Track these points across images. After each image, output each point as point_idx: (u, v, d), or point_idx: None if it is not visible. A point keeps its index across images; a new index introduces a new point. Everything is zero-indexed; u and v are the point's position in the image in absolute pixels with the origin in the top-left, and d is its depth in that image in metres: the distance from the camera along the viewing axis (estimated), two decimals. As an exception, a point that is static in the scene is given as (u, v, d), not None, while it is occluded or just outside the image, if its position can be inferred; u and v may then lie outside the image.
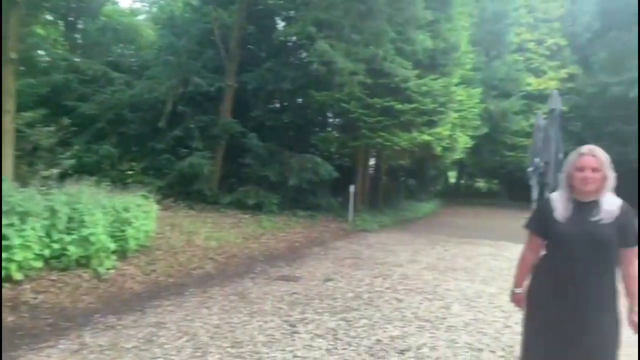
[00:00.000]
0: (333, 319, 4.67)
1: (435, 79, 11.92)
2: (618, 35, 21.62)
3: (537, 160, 14.27)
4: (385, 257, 8.13)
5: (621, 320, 2.40)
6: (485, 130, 19.37)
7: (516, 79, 21.41)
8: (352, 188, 11.98)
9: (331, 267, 7.17)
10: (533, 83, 22.52)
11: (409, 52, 10.83)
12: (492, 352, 4.01)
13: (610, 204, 2.37)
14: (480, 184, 31.79)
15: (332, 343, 4.04)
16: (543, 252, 2.56)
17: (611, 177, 2.38)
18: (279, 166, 11.62)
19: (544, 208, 2.52)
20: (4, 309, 4.22)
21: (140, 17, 18.57)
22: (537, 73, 22.92)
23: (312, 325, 4.46)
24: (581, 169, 2.36)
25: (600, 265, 2.35)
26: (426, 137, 12.08)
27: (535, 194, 16.65)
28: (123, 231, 6.02)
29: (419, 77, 11.66)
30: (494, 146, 22.39)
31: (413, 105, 11.61)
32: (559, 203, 2.44)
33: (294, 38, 12.64)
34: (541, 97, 20.95)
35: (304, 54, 13.15)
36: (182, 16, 13.87)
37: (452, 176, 31.23)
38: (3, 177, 5.66)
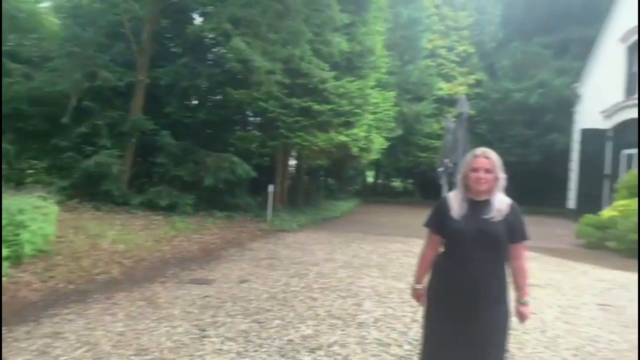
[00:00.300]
0: (246, 321, 4.60)
1: (351, 81, 12.19)
2: (519, 45, 23.39)
3: (446, 160, 15.07)
4: (302, 256, 8.15)
5: (510, 311, 2.57)
6: (399, 132, 20.08)
7: (428, 83, 22.42)
8: (270, 188, 11.92)
9: (247, 268, 7.07)
10: (444, 88, 23.67)
11: (326, 54, 10.97)
12: (400, 346, 4.14)
13: (501, 202, 2.54)
14: (396, 183, 32.89)
15: (243, 346, 3.97)
16: (442, 249, 2.67)
17: (502, 178, 2.56)
18: (193, 165, 11.27)
19: (441, 207, 2.63)
20: None
21: (43, 5, 17.22)
22: (448, 78, 24.13)
23: (223, 329, 4.37)
24: (475, 169, 2.51)
25: (492, 260, 2.50)
26: (343, 138, 12.30)
27: (445, 193, 17.50)
28: (17, 235, 5.54)
29: (336, 78, 11.85)
30: (408, 147, 23.27)
31: (330, 106, 11.78)
32: (454, 202, 2.57)
33: (211, 34, 12.34)
34: (451, 101, 22.09)
35: (222, 51, 12.88)
36: (90, 6, 13.02)
37: (370, 176, 32.09)
38: None
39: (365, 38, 12.86)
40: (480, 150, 2.60)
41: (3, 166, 10.96)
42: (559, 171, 20.59)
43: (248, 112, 14.47)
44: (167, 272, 6.62)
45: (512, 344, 4.23)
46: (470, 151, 2.64)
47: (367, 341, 4.21)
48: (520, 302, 2.61)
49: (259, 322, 4.58)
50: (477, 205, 2.53)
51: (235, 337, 4.16)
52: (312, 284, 6.23)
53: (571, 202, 18.70)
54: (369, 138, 14.42)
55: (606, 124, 16.51)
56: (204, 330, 4.28)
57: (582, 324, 4.97)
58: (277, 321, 4.64)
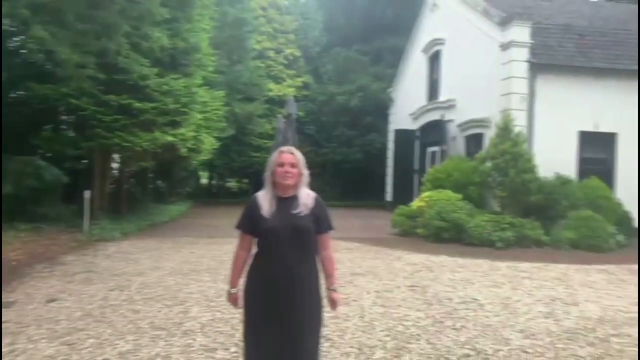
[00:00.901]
0: (52, 345, 4.08)
1: (176, 79, 11.67)
2: (340, 51, 25.04)
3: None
4: (125, 267, 7.54)
5: (322, 299, 2.71)
6: (232, 132, 19.97)
7: (258, 84, 22.70)
8: (87, 194, 10.79)
9: (57, 285, 6.30)
10: (274, 89, 24.22)
11: (146, 49, 10.28)
12: (226, 349, 4.07)
13: (307, 197, 2.68)
14: (231, 183, 32.68)
15: (46, 374, 3.50)
16: (255, 249, 2.71)
17: (305, 173, 2.70)
18: (-12, 171, 9.66)
19: (251, 207, 2.69)
20: None
21: None
22: (277, 80, 24.74)
23: (22, 357, 3.82)
24: (282, 164, 2.63)
25: (303, 253, 2.62)
26: (170, 138, 11.71)
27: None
28: None
29: (159, 75, 11.23)
30: (241, 147, 23.28)
31: (154, 105, 11.12)
32: (264, 201, 2.65)
33: (7, 21, 10.67)
34: (282, 102, 22.67)
35: (24, 40, 11.23)
36: None
37: (204, 176, 31.38)
38: None
39: (190, 35, 12.42)
40: (286, 147, 2.75)
41: None
42: (379, 167, 22.63)
43: (62, 110, 12.91)
44: (-50, 299, 5.55)
45: (333, 332, 4.46)
46: (277, 150, 2.77)
47: (192, 349, 4.06)
48: (331, 289, 2.76)
49: (69, 344, 4.11)
50: (285, 202, 2.64)
51: (37, 365, 3.66)
52: (135, 295, 5.80)
53: (389, 196, 20.66)
54: (199, 138, 14.01)
55: (414, 125, 18.59)
56: (-4, 363, 3.68)
57: (395, 306, 5.48)
58: (91, 340, 4.21)
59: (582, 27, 14.09)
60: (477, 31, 14.10)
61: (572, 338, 4.57)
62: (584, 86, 12.55)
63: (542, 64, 12.26)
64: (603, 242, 10.18)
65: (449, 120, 15.55)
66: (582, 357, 4.11)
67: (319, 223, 2.67)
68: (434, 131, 16.52)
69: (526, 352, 4.19)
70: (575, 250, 10.07)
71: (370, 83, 23.22)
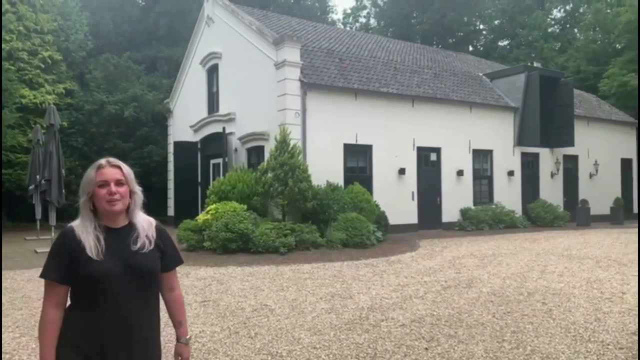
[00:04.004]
0: None
1: None
2: (110, 57, 23.26)
3: (38, 177, 13.44)
4: None
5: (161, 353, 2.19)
6: (-27, 145, 16.67)
7: (8, 89, 19.42)
8: None
9: None
10: (29, 95, 21.06)
11: None
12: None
13: (147, 226, 2.09)
14: (-27, 207, 27.18)
15: None
16: (71, 303, 2.00)
17: (138, 192, 2.09)
18: None
19: (68, 245, 1.94)
20: None
21: None
22: (33, 85, 21.61)
23: None
24: (104, 183, 1.97)
25: (146, 303, 2.03)
26: None
27: (38, 213, 15.65)
28: None
29: None
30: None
31: None
32: (87, 236, 1.95)
33: None
34: (40, 110, 19.96)
35: None
36: None
37: None
38: None
39: None
40: (105, 159, 2.05)
41: None
42: (159, 181, 21.65)
43: None
44: None
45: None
46: (93, 164, 2.07)
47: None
48: (182, 341, 2.21)
49: None
50: (118, 235, 2.01)
51: None
52: None
53: (171, 210, 19.97)
54: None
55: (195, 137, 18.41)
56: None
57: (188, 324, 5.34)
58: None
59: (341, 52, 16.03)
60: (253, 48, 14.76)
61: (351, 328, 5.16)
62: (345, 104, 14.30)
63: (311, 83, 13.52)
64: (366, 239, 11.75)
65: (230, 133, 15.87)
66: (360, 343, 4.67)
67: (166, 259, 2.12)
68: (216, 143, 16.63)
69: (315, 347, 4.56)
70: (345, 249, 11.38)
71: (145, 93, 22.16)
